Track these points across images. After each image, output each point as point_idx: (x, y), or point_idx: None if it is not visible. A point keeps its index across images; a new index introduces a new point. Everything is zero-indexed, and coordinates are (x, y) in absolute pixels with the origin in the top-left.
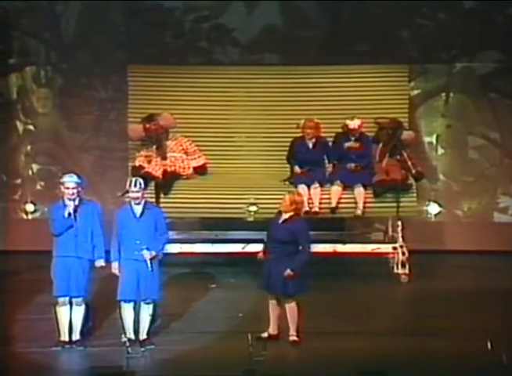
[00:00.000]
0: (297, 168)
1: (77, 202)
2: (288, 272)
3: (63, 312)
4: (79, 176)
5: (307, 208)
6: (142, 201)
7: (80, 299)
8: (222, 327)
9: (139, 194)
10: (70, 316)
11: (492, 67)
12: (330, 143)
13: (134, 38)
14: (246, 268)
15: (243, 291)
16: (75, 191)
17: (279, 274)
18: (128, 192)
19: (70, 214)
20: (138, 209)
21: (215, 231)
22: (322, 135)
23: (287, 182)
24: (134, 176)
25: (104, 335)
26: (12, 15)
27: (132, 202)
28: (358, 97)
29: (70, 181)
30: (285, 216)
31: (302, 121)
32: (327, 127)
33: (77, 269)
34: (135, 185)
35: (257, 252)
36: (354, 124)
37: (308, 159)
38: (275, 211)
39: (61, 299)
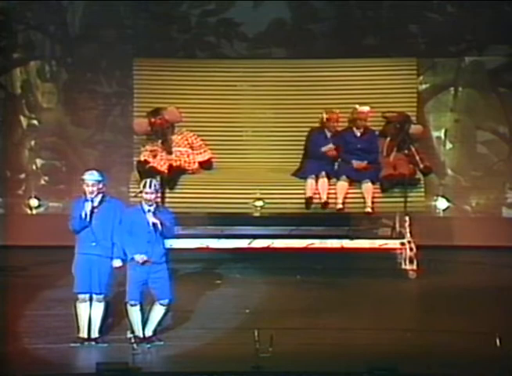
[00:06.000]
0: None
1: (97, 200)
2: None
3: (83, 309)
4: (101, 173)
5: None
6: (154, 204)
7: (101, 296)
8: (228, 323)
9: (153, 196)
10: (89, 313)
11: (502, 61)
12: None
13: (140, 32)
14: (252, 263)
15: (249, 286)
16: (94, 189)
17: None
18: (141, 192)
19: (86, 214)
20: (149, 212)
21: (221, 226)
22: None
23: (295, 177)
24: (139, 172)
25: (110, 331)
26: (17, 8)
27: (144, 203)
28: (367, 91)
29: (89, 178)
30: None
31: (325, 115)
32: None
33: (98, 267)
34: (150, 186)
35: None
36: (362, 108)
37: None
38: (282, 206)
39: (81, 296)
